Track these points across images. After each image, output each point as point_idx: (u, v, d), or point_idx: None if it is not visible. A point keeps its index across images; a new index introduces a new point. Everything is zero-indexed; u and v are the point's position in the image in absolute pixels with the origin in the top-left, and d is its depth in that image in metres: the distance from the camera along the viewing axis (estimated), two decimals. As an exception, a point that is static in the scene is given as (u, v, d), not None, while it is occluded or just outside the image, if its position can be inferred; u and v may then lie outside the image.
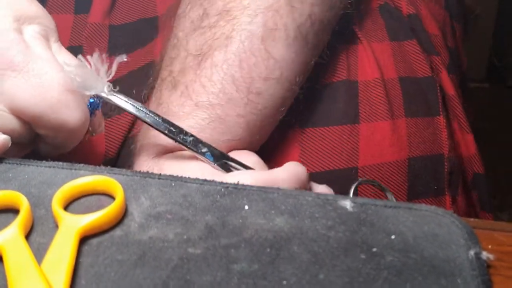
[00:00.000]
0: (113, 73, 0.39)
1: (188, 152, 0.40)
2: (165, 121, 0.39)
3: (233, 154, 0.41)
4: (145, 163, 0.42)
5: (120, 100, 0.39)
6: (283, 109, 0.45)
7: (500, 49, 2.10)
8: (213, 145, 0.40)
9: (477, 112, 0.65)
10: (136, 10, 0.58)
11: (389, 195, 0.43)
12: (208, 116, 0.40)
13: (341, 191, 0.40)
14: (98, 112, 0.41)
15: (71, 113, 0.37)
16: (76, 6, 0.60)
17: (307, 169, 0.48)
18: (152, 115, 0.39)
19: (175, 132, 0.38)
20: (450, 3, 0.66)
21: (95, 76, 0.38)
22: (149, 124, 0.39)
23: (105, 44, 0.56)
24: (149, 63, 0.53)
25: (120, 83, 0.53)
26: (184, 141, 0.39)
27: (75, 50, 0.56)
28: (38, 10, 0.41)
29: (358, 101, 0.51)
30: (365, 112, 0.51)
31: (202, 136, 0.40)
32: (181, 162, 0.41)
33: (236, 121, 0.41)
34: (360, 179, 0.46)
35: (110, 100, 0.39)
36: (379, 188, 0.46)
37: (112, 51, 0.56)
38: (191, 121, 0.41)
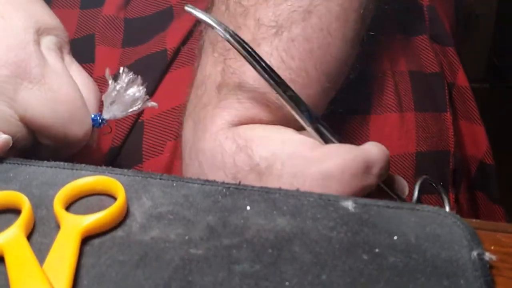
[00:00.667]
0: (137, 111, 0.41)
1: (271, 126, 0.38)
2: (270, 69, 0.36)
3: None
4: (222, 132, 0.38)
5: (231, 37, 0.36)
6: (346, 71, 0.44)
7: (500, 49, 2.10)
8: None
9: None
10: (152, 4, 0.58)
11: (446, 202, 0.42)
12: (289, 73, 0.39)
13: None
14: (96, 129, 0.43)
15: (77, 128, 0.39)
16: (82, 1, 0.60)
17: None
18: (260, 60, 0.36)
19: (279, 82, 0.36)
20: (458, 8, 0.65)
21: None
22: (256, 68, 0.36)
23: (120, 36, 0.56)
24: (160, 51, 0.53)
25: (132, 68, 0.53)
26: (286, 94, 0.36)
27: (79, 41, 0.57)
28: (56, 22, 0.41)
29: (370, 93, 0.51)
30: (375, 104, 0.51)
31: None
32: (274, 133, 0.38)
33: (307, 100, 0.39)
34: (424, 176, 0.44)
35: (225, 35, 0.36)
36: (438, 191, 0.45)
37: (126, 44, 0.56)
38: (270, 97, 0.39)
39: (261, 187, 0.33)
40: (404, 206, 0.31)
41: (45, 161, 0.36)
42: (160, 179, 0.34)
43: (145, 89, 0.40)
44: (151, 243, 0.29)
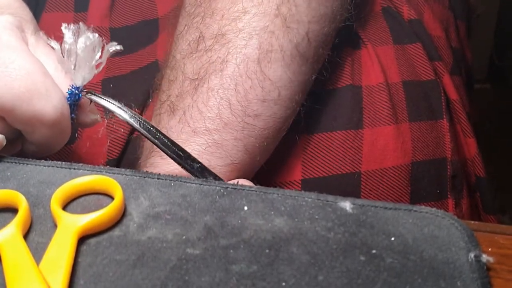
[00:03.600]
0: (104, 62, 0.38)
1: None
2: (174, 144, 0.37)
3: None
4: None
5: (118, 109, 0.37)
6: (284, 128, 0.44)
7: (501, 49, 2.10)
8: (212, 170, 0.39)
9: (478, 112, 0.65)
10: (136, 12, 0.58)
11: None
12: (205, 141, 0.40)
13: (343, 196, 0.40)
14: (84, 102, 0.39)
15: (45, 103, 0.35)
16: (76, 4, 0.60)
17: (310, 174, 0.49)
18: (162, 137, 0.37)
19: (183, 157, 0.37)
20: (454, 2, 0.65)
21: (84, 62, 0.37)
22: (158, 146, 0.37)
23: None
24: (151, 63, 0.53)
25: (122, 82, 0.53)
26: (191, 167, 0.37)
27: None
28: (12, 1, 0.40)
29: (362, 106, 0.51)
30: (369, 117, 0.51)
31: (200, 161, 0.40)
32: None
33: (234, 144, 0.41)
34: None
35: (99, 102, 0.37)
36: None
37: (113, 53, 0.56)
38: (188, 147, 0.40)
39: (259, 187, 0.33)
40: (401, 207, 0.31)
41: (43, 160, 0.36)
42: (158, 178, 0.34)
43: (96, 34, 0.38)
44: (148, 243, 0.29)
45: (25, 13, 0.40)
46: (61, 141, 0.38)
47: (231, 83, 0.40)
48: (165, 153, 0.37)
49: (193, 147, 0.40)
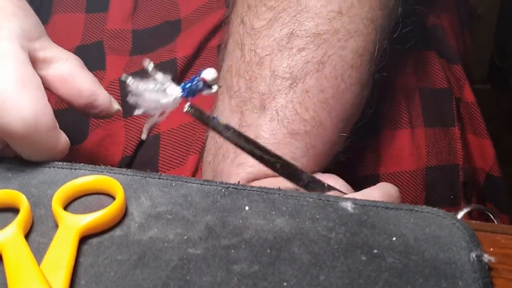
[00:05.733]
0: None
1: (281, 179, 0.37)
2: (274, 155, 0.35)
3: (321, 178, 0.39)
4: None
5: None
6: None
7: (502, 50, 2.10)
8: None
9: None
10: (159, 14, 0.58)
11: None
12: (303, 145, 0.39)
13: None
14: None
15: (13, 116, 0.33)
16: (88, 5, 0.59)
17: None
18: (262, 151, 0.35)
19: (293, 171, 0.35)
20: (461, 13, 0.66)
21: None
22: (262, 162, 0.35)
23: (128, 47, 0.56)
24: (170, 60, 0.53)
25: (140, 76, 0.53)
26: (300, 180, 0.35)
27: (88, 48, 0.56)
28: (14, 7, 0.39)
29: (380, 109, 0.51)
30: (387, 120, 0.51)
31: (296, 165, 0.38)
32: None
33: (323, 148, 0.40)
34: (473, 205, 0.45)
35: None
36: (489, 212, 0.45)
37: (134, 52, 0.56)
38: (285, 150, 0.39)
39: (260, 187, 0.33)
40: (403, 207, 0.31)
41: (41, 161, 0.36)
42: (159, 178, 0.34)
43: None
44: (150, 243, 0.29)
45: (32, 19, 0.40)
46: (43, 153, 0.36)
47: (327, 85, 0.40)
48: (267, 165, 0.35)
49: (291, 150, 0.39)
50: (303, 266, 0.27)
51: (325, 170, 0.46)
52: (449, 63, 0.57)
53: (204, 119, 0.34)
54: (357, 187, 0.48)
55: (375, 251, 0.28)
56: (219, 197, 0.33)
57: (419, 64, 0.56)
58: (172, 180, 0.34)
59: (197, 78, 0.34)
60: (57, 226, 0.30)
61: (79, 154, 0.50)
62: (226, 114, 0.43)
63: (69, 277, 0.27)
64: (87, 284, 0.27)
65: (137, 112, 0.34)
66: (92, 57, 0.54)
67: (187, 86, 0.34)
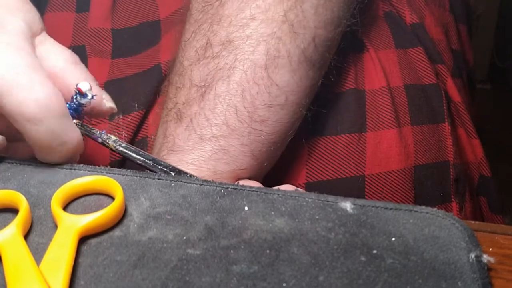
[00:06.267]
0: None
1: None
2: (166, 165, 0.37)
3: (243, 183, 0.40)
4: None
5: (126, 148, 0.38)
6: (290, 132, 0.44)
7: (502, 50, 2.10)
8: (220, 175, 0.40)
9: (479, 113, 0.65)
10: (138, 14, 0.58)
11: None
12: (211, 148, 0.40)
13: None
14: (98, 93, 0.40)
15: (26, 96, 0.33)
16: (78, 4, 0.60)
17: (314, 178, 0.49)
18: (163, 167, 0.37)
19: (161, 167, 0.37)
20: (454, 5, 0.65)
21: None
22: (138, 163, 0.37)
23: (109, 47, 0.56)
24: (153, 66, 0.53)
25: (124, 84, 0.53)
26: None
27: (77, 50, 0.56)
28: (19, 2, 0.39)
29: (365, 110, 0.51)
30: (372, 121, 0.51)
31: (205, 167, 0.40)
32: None
33: (241, 150, 0.41)
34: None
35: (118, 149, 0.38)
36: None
37: (116, 54, 0.56)
38: (195, 154, 0.40)
39: (259, 188, 0.33)
40: (402, 208, 0.31)
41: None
42: (158, 179, 0.34)
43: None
44: (149, 243, 0.29)
45: (34, 14, 0.40)
46: (57, 141, 0.35)
47: (238, 89, 0.40)
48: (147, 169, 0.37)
49: (200, 154, 0.40)
50: (303, 267, 0.27)
51: (300, 173, 0.48)
52: (433, 63, 0.57)
53: (90, 135, 0.38)
54: (342, 189, 0.48)
55: (375, 251, 0.28)
56: (218, 197, 0.33)
57: (405, 61, 0.55)
58: (172, 181, 0.34)
59: (74, 96, 0.38)
60: (56, 226, 0.30)
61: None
62: (159, 125, 0.45)
63: (68, 277, 0.27)
64: (86, 284, 0.27)
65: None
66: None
67: (69, 105, 0.38)
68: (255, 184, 0.40)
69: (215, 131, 0.40)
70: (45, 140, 0.35)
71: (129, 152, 0.37)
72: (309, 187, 0.49)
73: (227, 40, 0.41)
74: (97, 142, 0.38)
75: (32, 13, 0.40)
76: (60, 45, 0.40)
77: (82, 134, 0.37)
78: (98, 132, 0.38)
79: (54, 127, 0.34)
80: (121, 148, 0.38)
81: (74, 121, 0.38)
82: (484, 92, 2.04)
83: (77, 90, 0.38)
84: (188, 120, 0.41)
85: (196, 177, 0.37)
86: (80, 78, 0.39)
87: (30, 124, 0.34)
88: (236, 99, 0.40)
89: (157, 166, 0.37)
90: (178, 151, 0.41)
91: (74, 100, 0.38)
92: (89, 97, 0.38)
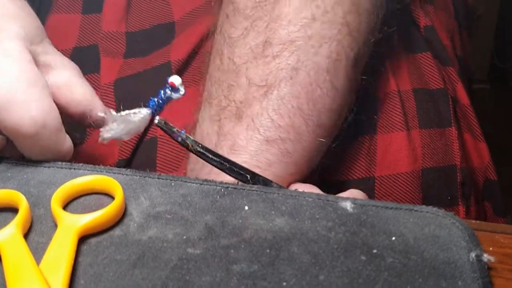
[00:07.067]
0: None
1: None
2: (242, 168, 0.37)
3: (297, 187, 0.40)
4: None
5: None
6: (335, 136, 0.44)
7: (502, 50, 2.10)
8: (280, 179, 0.39)
9: (479, 113, 0.65)
10: (152, 16, 0.58)
11: None
12: (278, 151, 0.40)
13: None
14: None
15: (22, 114, 0.33)
16: (84, 6, 0.59)
17: (326, 179, 0.48)
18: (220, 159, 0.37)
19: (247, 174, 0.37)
20: (458, 11, 0.66)
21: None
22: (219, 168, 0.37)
23: (123, 49, 0.56)
24: (164, 63, 0.53)
25: (134, 81, 0.53)
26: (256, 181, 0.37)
27: (83, 51, 0.56)
28: (17, 9, 0.39)
29: (376, 112, 0.51)
30: (382, 123, 0.51)
31: (269, 170, 0.39)
32: None
33: (302, 154, 0.41)
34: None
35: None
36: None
37: (128, 55, 0.56)
38: (260, 156, 0.40)
39: (260, 187, 0.33)
40: (402, 207, 0.31)
41: (43, 161, 0.36)
42: (158, 178, 0.34)
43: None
44: (149, 243, 0.29)
45: (33, 22, 0.40)
46: (48, 155, 0.36)
47: (302, 91, 0.40)
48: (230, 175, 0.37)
49: (266, 156, 0.40)
50: (303, 266, 0.27)
51: (314, 174, 0.47)
52: (442, 65, 0.57)
53: (171, 133, 0.36)
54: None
55: (375, 251, 0.28)
56: (218, 197, 0.33)
57: (413, 66, 0.56)
58: (172, 180, 0.34)
59: (164, 89, 0.36)
60: (56, 226, 0.30)
61: (73, 158, 0.50)
62: (206, 122, 0.43)
63: (68, 277, 0.27)
64: (86, 284, 0.27)
65: (105, 138, 0.36)
66: (86, 59, 0.54)
67: (155, 100, 0.36)
68: (310, 188, 0.39)
69: (282, 134, 0.40)
70: (39, 153, 0.36)
71: (206, 153, 0.36)
72: (321, 188, 0.48)
73: (289, 39, 0.41)
74: (176, 141, 0.37)
75: (33, 20, 0.40)
76: (64, 56, 0.41)
77: (163, 131, 0.37)
78: (178, 131, 0.37)
79: (48, 143, 0.35)
80: (198, 149, 0.36)
81: (157, 117, 0.36)
82: (484, 92, 2.04)
83: (169, 84, 0.36)
84: (249, 120, 0.40)
85: (271, 181, 0.37)
86: (85, 93, 0.39)
87: (25, 140, 0.34)
88: (301, 101, 0.40)
89: (234, 168, 0.36)
90: (241, 151, 0.40)
91: (163, 96, 0.36)
92: (182, 91, 0.37)
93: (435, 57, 0.57)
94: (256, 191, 0.33)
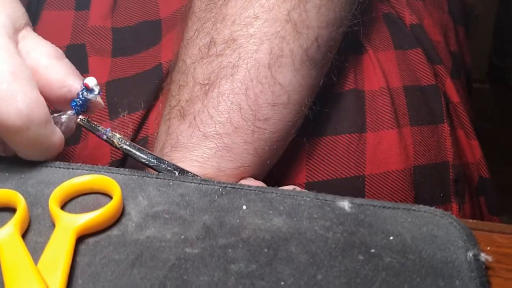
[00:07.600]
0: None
1: None
2: (169, 164, 0.38)
3: (246, 183, 0.40)
4: None
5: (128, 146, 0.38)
6: (293, 131, 0.45)
7: (500, 49, 2.10)
8: (223, 173, 0.40)
9: (478, 112, 0.65)
10: (139, 13, 0.58)
11: None
12: (215, 145, 0.40)
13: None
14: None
15: (7, 107, 0.32)
16: (77, 2, 0.59)
17: (314, 177, 0.49)
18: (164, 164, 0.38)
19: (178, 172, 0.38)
20: (453, 8, 0.66)
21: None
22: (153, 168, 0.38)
23: (109, 46, 0.56)
24: (155, 66, 0.53)
25: (126, 84, 0.53)
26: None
27: (77, 48, 0.56)
28: None
29: (365, 110, 0.52)
30: (371, 121, 0.51)
31: (209, 165, 0.40)
32: None
33: (244, 148, 0.41)
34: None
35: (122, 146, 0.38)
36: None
37: (116, 53, 0.56)
38: (199, 151, 0.40)
39: (258, 187, 0.33)
40: (400, 207, 0.31)
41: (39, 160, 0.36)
42: (157, 178, 0.34)
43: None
44: (147, 242, 0.29)
45: (18, 9, 0.39)
46: (39, 148, 0.36)
47: (242, 87, 0.41)
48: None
49: (204, 151, 0.40)
50: (301, 266, 0.27)
51: (298, 172, 0.48)
52: (432, 64, 0.57)
53: (95, 132, 0.38)
54: (342, 189, 0.48)
55: (373, 250, 0.28)
56: (216, 196, 0.33)
57: (404, 63, 0.56)
58: (170, 180, 0.34)
59: (81, 92, 0.38)
60: (54, 225, 0.30)
61: (67, 158, 0.50)
62: (161, 123, 0.45)
63: (66, 276, 0.27)
64: (84, 283, 0.27)
65: None
66: (75, 60, 0.54)
67: (76, 100, 0.38)
68: (257, 183, 0.41)
69: (219, 128, 0.41)
70: (28, 147, 0.35)
71: (133, 150, 0.38)
72: (309, 187, 0.49)
73: (231, 38, 0.42)
74: (102, 139, 0.38)
75: (16, 7, 0.39)
76: (43, 39, 0.39)
77: (88, 130, 0.38)
78: (103, 129, 0.38)
79: (37, 136, 0.34)
80: (125, 146, 0.38)
81: (80, 117, 0.38)
82: (483, 91, 2.04)
83: (84, 85, 0.37)
84: (192, 118, 0.41)
85: (196, 176, 0.37)
86: (60, 73, 0.38)
87: (13, 134, 0.34)
88: (240, 97, 0.41)
89: (161, 165, 0.37)
90: (182, 148, 0.41)
91: (81, 96, 0.37)
92: (96, 92, 0.38)
93: (425, 53, 0.57)
94: (254, 190, 0.33)
